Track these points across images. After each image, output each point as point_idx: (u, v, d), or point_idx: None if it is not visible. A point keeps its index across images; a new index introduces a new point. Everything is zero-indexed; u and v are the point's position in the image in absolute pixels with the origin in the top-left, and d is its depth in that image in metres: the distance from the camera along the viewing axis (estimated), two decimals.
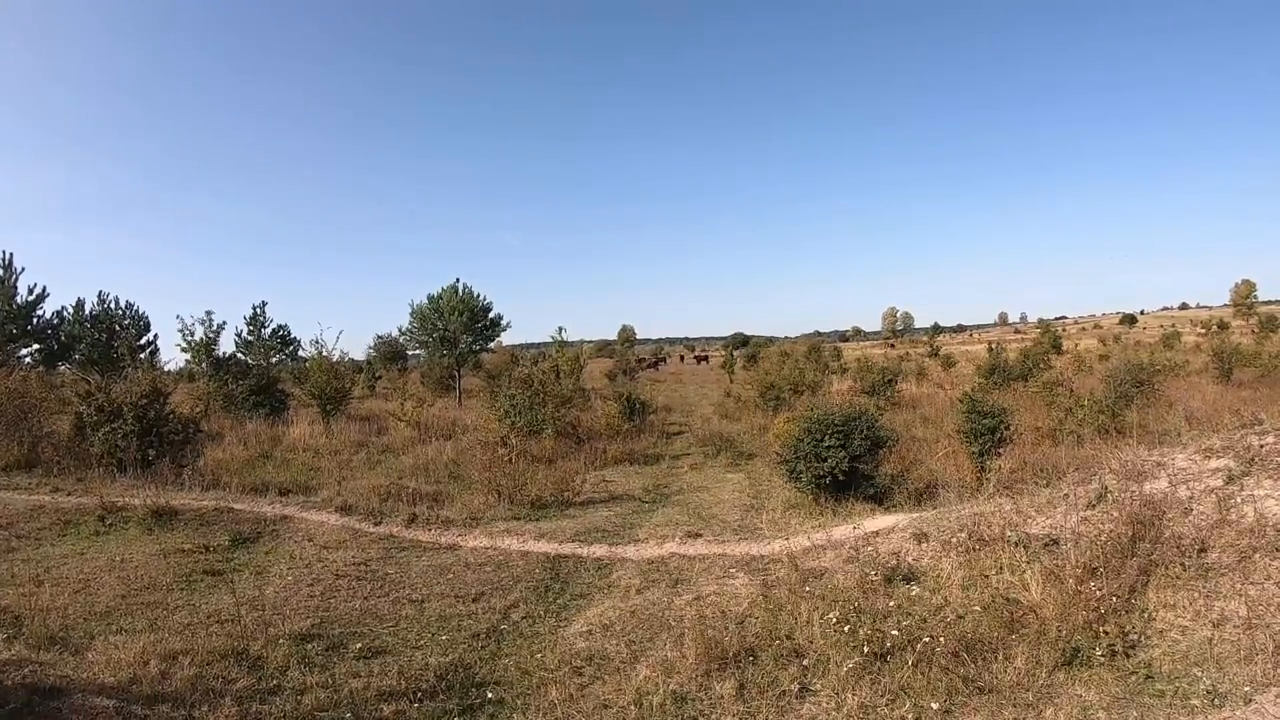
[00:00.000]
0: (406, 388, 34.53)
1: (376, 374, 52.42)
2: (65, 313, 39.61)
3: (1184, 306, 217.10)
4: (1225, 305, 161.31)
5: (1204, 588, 6.82)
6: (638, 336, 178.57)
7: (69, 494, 15.10)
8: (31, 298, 37.80)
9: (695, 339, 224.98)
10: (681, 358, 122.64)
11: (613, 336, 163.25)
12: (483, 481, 15.76)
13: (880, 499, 13.45)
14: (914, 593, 8.15)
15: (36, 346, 38.65)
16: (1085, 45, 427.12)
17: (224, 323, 34.21)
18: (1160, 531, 7.77)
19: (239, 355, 36.89)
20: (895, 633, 6.60)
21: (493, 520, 13.48)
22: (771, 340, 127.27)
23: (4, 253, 37.20)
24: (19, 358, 35.63)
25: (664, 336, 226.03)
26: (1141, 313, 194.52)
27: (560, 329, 39.58)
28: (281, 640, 7.76)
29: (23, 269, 37.46)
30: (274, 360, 38.19)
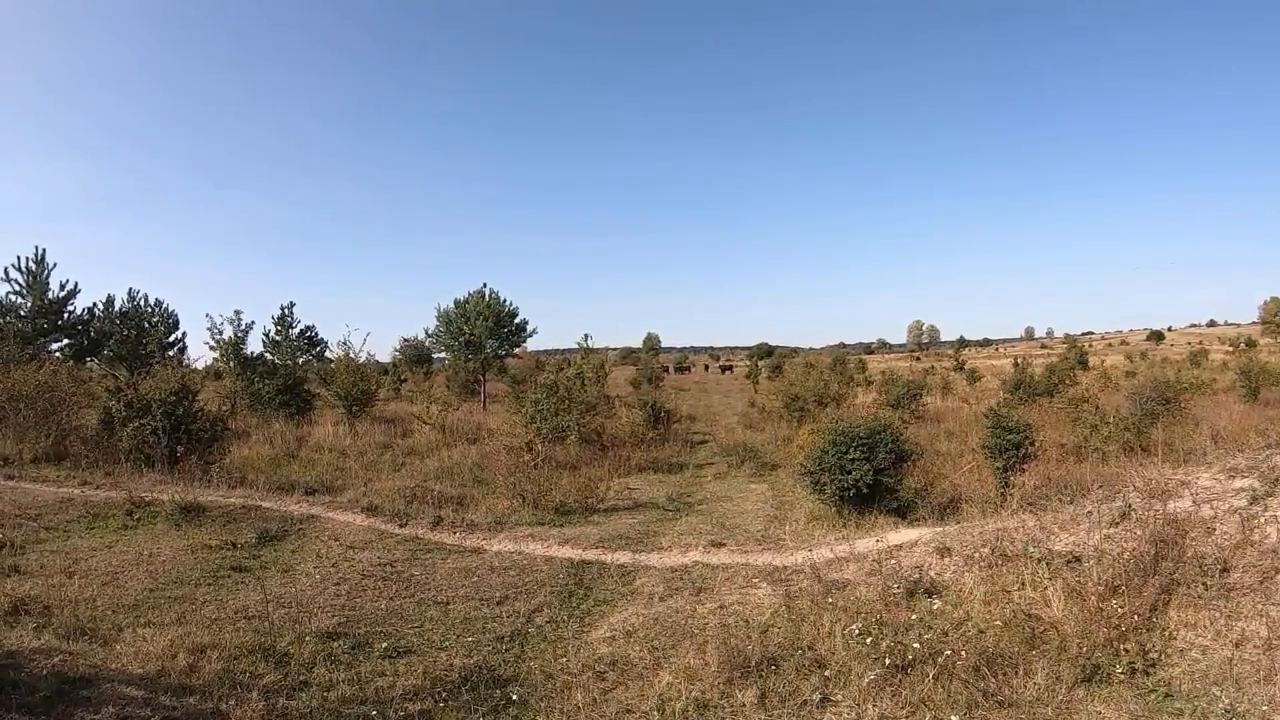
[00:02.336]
0: (431, 391, 34.72)
1: (402, 376, 52.62)
2: (96, 309, 40.08)
3: (1212, 323, 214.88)
4: (1254, 323, 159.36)
5: (1225, 608, 6.83)
6: (662, 344, 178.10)
7: (97, 488, 15.29)
8: (63, 293, 38.17)
9: (720, 348, 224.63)
10: (706, 367, 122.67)
11: (637, 344, 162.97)
12: (507, 486, 15.87)
13: (903, 512, 13.43)
14: (936, 606, 8.17)
15: (67, 341, 39.00)
16: (1114, 60, 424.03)
17: (252, 322, 34.71)
18: (1183, 550, 7.77)
19: (266, 355, 37.28)
20: (916, 646, 6.64)
21: (517, 525, 13.59)
22: (796, 351, 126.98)
23: (37, 248, 37.72)
24: (49, 352, 36.03)
25: (688, 345, 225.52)
26: (1169, 329, 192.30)
27: (586, 336, 39.79)
28: (308, 637, 7.85)
29: (55, 264, 37.92)
30: (301, 361, 38.51)
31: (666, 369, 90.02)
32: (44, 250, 37.62)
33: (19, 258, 37.10)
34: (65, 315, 38.66)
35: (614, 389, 43.00)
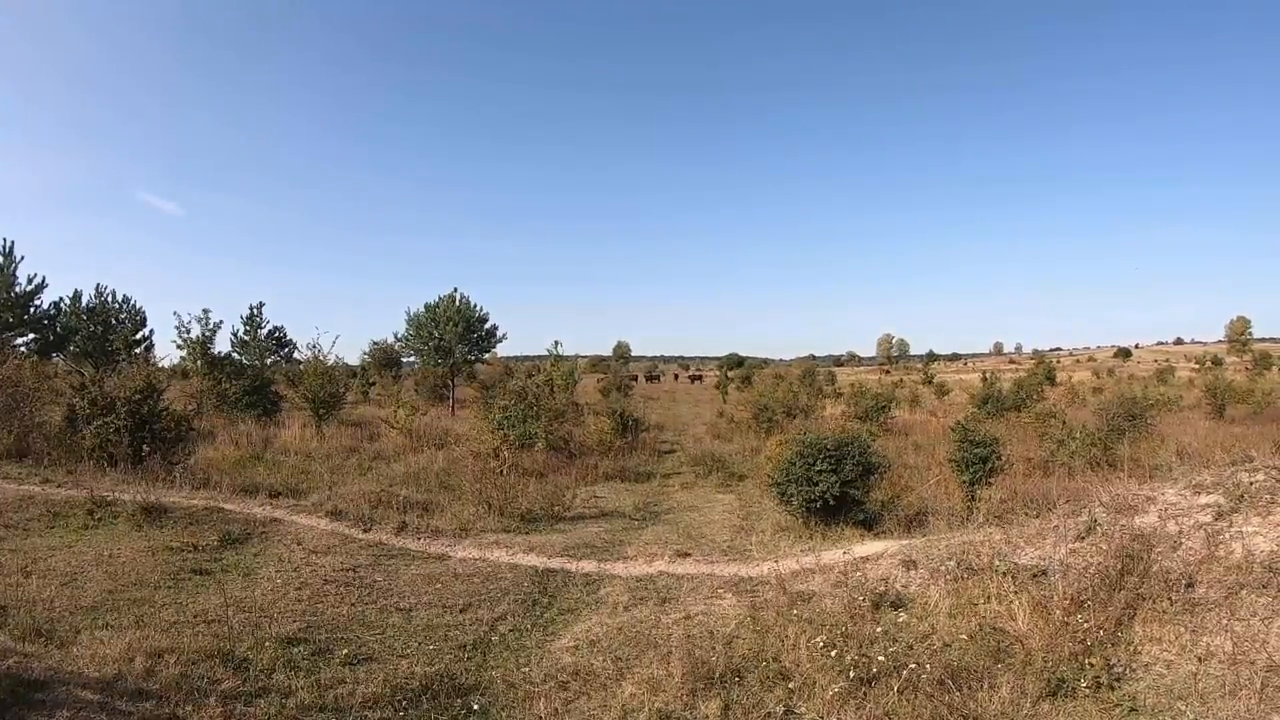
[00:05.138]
0: (400, 395, 34.54)
1: (371, 380, 52.41)
2: (63, 304, 39.63)
3: (1179, 341, 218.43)
4: (1220, 341, 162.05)
5: (1190, 622, 6.86)
6: (633, 353, 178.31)
7: (58, 486, 15.02)
8: (30, 287, 37.83)
9: (690, 358, 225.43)
10: (676, 376, 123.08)
11: (608, 352, 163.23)
12: (473, 492, 15.75)
13: (870, 525, 13.46)
14: (901, 619, 8.17)
15: (32, 336, 38.66)
16: (1083, 78, 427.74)
17: (220, 322, 34.40)
18: (1148, 565, 7.80)
19: (234, 355, 36.97)
20: (881, 658, 6.62)
21: (482, 531, 13.49)
22: (766, 362, 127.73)
23: (4, 240, 37.28)
24: (14, 346, 35.52)
25: (659, 354, 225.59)
26: (1136, 346, 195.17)
27: (556, 343, 39.79)
28: (268, 643, 7.70)
29: (22, 258, 37.55)
30: (269, 362, 38.20)
31: (636, 378, 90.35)
32: (12, 243, 37.35)
33: None
34: (32, 310, 38.21)
35: (583, 397, 42.98)
